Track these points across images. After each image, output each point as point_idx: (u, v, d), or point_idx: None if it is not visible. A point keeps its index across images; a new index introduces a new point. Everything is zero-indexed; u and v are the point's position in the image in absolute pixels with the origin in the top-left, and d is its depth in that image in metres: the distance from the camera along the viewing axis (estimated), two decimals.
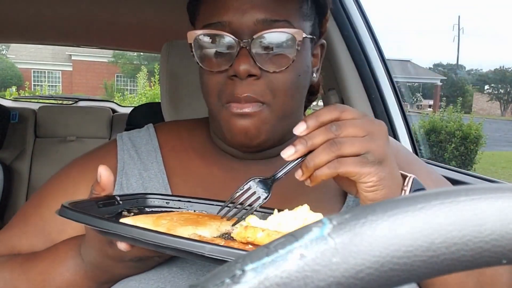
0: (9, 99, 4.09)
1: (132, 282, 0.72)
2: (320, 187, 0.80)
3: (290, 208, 0.65)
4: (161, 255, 0.69)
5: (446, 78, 31.92)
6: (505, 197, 0.27)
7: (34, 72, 27.07)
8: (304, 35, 0.78)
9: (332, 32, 1.53)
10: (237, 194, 0.69)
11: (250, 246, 0.59)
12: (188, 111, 1.27)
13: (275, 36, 0.77)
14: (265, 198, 0.68)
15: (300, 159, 0.65)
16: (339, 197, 0.86)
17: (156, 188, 0.84)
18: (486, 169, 11.11)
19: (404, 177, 0.71)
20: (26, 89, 20.72)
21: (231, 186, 0.73)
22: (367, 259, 0.26)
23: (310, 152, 0.64)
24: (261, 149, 0.83)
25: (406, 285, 0.27)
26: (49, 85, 24.08)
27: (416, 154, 1.62)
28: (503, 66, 33.90)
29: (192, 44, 0.80)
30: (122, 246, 0.61)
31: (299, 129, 0.65)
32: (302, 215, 0.63)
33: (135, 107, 3.02)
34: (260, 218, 0.66)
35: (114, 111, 3.31)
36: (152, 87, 15.26)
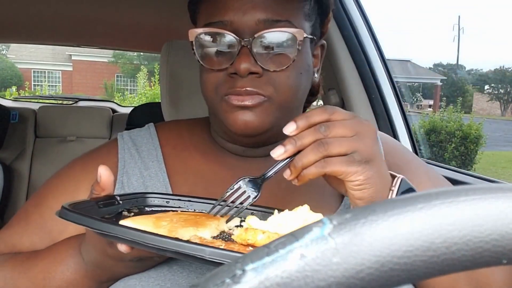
0: (9, 99, 4.09)
1: (132, 281, 0.73)
2: (319, 186, 0.80)
3: (290, 209, 0.65)
4: (161, 256, 0.69)
5: (446, 78, 31.92)
6: (505, 197, 0.27)
7: (34, 72, 27.06)
8: (305, 35, 0.79)
9: (332, 32, 1.53)
10: (227, 193, 0.70)
11: (250, 248, 0.59)
12: (188, 111, 1.27)
13: (276, 35, 0.77)
14: (255, 197, 0.69)
15: (289, 158, 0.66)
16: (337, 196, 0.86)
17: (157, 187, 0.84)
18: (486, 169, 11.11)
19: (393, 177, 0.71)
20: (26, 89, 20.71)
21: (232, 184, 0.73)
22: (367, 259, 0.26)
23: (299, 152, 0.65)
24: (261, 144, 0.84)
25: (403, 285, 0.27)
26: (49, 85, 24.06)
27: (416, 154, 1.62)
28: (503, 66, 33.94)
29: (193, 42, 0.80)
30: (122, 248, 0.62)
31: (289, 128, 0.66)
32: (303, 215, 0.63)
33: (135, 107, 3.02)
34: (261, 219, 0.66)
35: (114, 111, 3.31)
36: (152, 87, 15.26)
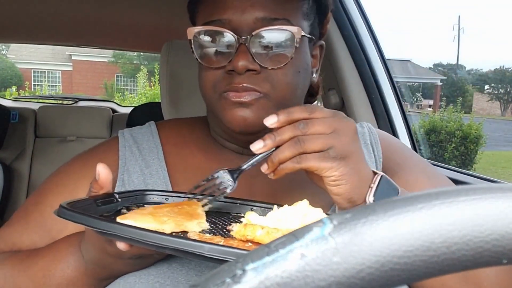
0: (9, 99, 4.09)
1: (132, 278, 0.73)
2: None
3: (289, 203, 0.65)
4: (161, 253, 0.69)
5: (446, 78, 31.91)
6: (505, 197, 0.27)
7: (34, 72, 27.04)
8: (303, 33, 0.79)
9: (332, 32, 1.53)
10: (204, 182, 0.73)
11: (249, 244, 0.59)
12: (188, 110, 1.27)
13: (274, 33, 0.78)
14: (231, 188, 0.72)
15: (267, 152, 0.68)
16: None
17: (158, 184, 0.84)
18: (486, 169, 11.11)
19: (375, 174, 0.71)
20: (26, 89, 20.71)
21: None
22: (367, 258, 0.26)
23: (278, 147, 0.67)
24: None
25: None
26: (49, 85, 24.06)
27: None
28: (503, 66, 33.94)
29: (192, 41, 0.81)
30: (121, 246, 0.62)
31: (270, 120, 0.67)
32: (302, 210, 0.63)
33: (135, 107, 3.02)
34: (260, 214, 0.66)
35: (114, 111, 3.31)
36: (152, 87, 15.27)
